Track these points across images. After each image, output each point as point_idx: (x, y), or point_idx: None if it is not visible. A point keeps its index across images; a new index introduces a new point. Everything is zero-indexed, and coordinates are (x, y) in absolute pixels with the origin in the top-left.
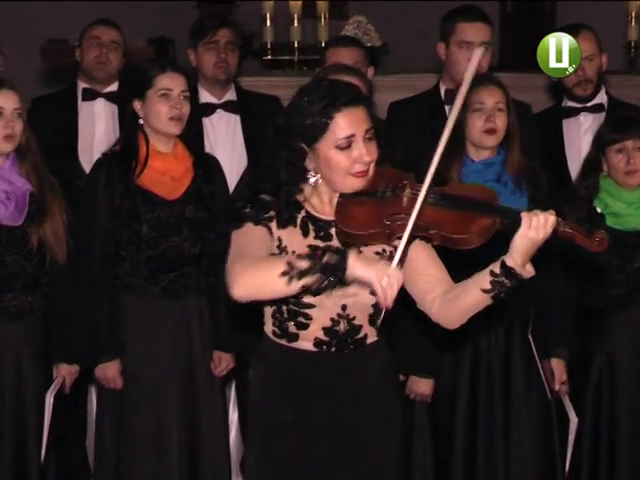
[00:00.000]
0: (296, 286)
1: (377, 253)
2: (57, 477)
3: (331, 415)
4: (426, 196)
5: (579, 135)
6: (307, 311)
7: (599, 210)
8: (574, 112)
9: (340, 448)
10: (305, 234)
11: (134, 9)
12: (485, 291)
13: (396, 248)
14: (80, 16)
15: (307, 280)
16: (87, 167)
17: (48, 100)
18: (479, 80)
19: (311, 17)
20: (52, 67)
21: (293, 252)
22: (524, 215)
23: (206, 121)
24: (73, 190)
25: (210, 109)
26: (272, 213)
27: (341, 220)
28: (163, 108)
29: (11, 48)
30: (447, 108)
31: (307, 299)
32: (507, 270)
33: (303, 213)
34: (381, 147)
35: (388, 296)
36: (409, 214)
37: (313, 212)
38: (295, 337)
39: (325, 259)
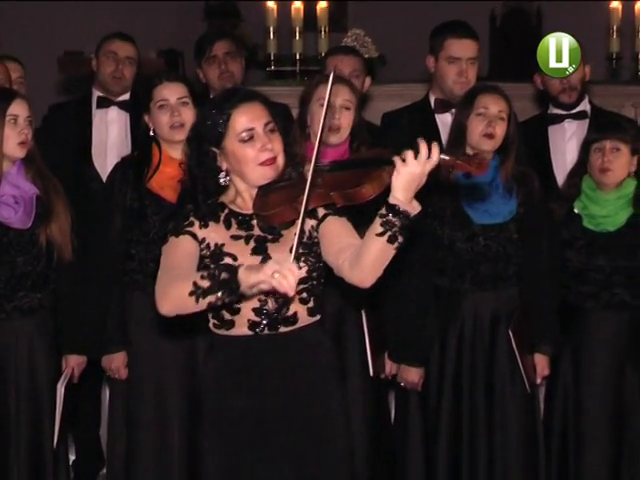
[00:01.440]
0: (203, 304)
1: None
2: (69, 462)
3: (277, 396)
4: (321, 166)
5: (564, 141)
6: None
7: (576, 211)
8: (559, 119)
9: (289, 428)
10: (228, 227)
11: (145, 23)
12: (379, 234)
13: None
14: (95, 29)
15: (211, 298)
16: (101, 170)
17: (64, 107)
18: (487, 88)
19: (312, 30)
20: (68, 77)
21: (216, 244)
22: (395, 158)
23: None
24: (87, 191)
25: None
26: (192, 218)
27: (257, 206)
28: (163, 118)
29: (31, 59)
30: (437, 117)
31: None
32: (391, 208)
33: (226, 211)
34: (286, 140)
35: (284, 285)
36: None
37: (236, 209)
38: (231, 324)
39: (222, 276)
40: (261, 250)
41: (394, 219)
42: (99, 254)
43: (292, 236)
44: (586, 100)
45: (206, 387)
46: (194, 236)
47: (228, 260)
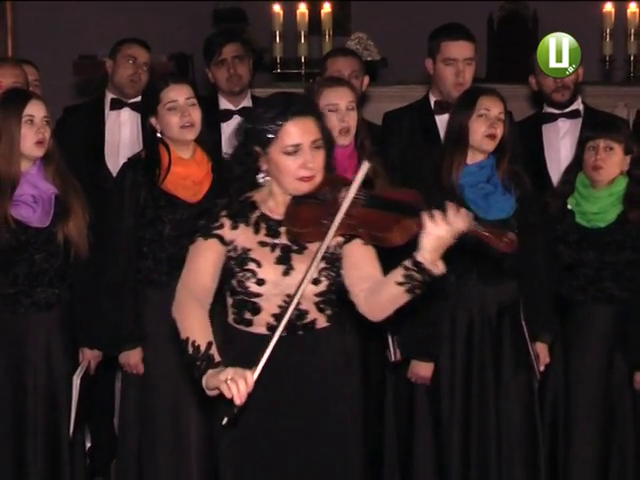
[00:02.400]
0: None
1: None
2: (85, 451)
3: (290, 393)
4: (357, 197)
5: (558, 139)
6: (255, 300)
7: (570, 207)
8: (553, 118)
9: (300, 423)
10: (256, 231)
11: (156, 27)
12: (398, 284)
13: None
14: (108, 34)
15: (187, 359)
16: (113, 170)
17: (78, 109)
18: (486, 90)
19: (316, 34)
20: (82, 80)
21: (243, 248)
22: (423, 216)
23: (224, 126)
24: (101, 191)
25: (228, 115)
26: (222, 219)
27: (287, 219)
28: (173, 119)
29: (47, 63)
30: (436, 117)
31: (254, 289)
32: (417, 265)
33: (257, 213)
34: (329, 155)
35: (233, 391)
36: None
37: (267, 212)
38: (250, 322)
39: (197, 363)
40: (285, 260)
41: (417, 275)
42: (113, 252)
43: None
44: (579, 100)
45: None
46: (222, 239)
47: (252, 266)
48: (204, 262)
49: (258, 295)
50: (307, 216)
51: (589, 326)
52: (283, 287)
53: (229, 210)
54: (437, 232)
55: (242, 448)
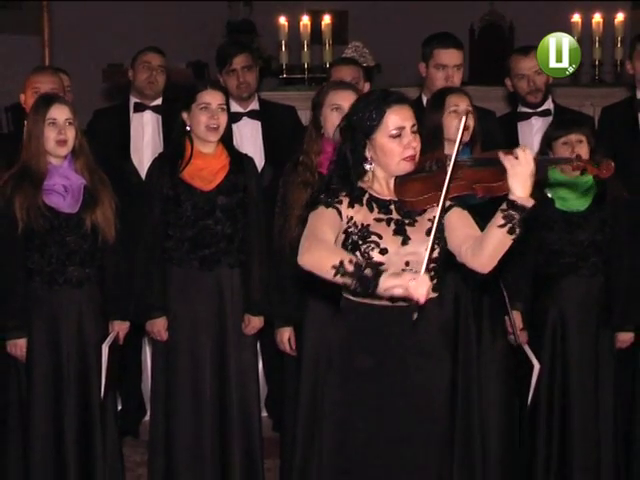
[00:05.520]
0: (338, 280)
1: (429, 220)
2: (116, 412)
3: (399, 360)
4: (461, 161)
5: (531, 135)
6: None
7: (550, 195)
8: (527, 116)
9: (405, 388)
10: (370, 210)
11: (177, 38)
12: (500, 226)
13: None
14: (134, 44)
15: (346, 280)
16: (138, 165)
17: (107, 112)
18: (453, 90)
19: (318, 43)
20: (110, 86)
21: (362, 224)
22: (504, 158)
23: (234, 126)
24: (127, 183)
25: (237, 117)
26: (342, 197)
27: (401, 194)
28: (202, 118)
29: (79, 71)
30: None
31: (378, 258)
32: (511, 203)
33: (367, 196)
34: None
35: (417, 294)
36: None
37: (375, 194)
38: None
39: (364, 272)
40: (401, 231)
41: (514, 212)
42: (142, 235)
43: (426, 222)
44: (550, 100)
45: (339, 344)
46: (340, 213)
47: (374, 238)
48: (326, 222)
49: (380, 264)
50: (418, 187)
51: (578, 295)
52: (403, 254)
53: (351, 194)
54: (521, 168)
55: (346, 407)
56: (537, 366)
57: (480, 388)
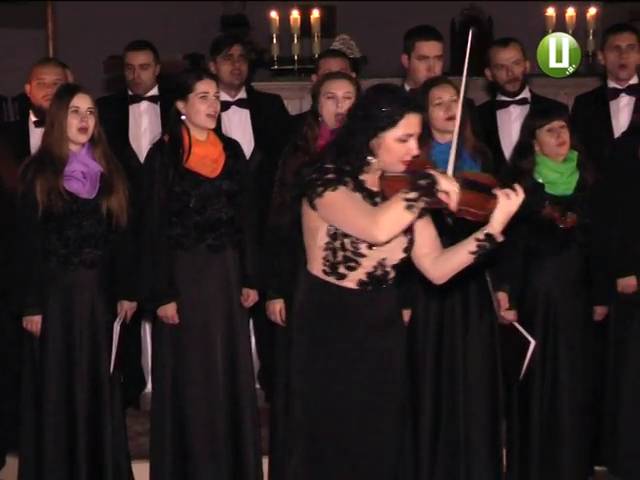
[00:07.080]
0: (416, 209)
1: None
2: (120, 386)
3: (367, 338)
4: (455, 176)
5: (509, 122)
6: (359, 259)
7: (540, 181)
8: (505, 105)
9: (374, 363)
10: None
11: (174, 30)
12: (471, 253)
13: None
14: (134, 36)
15: (420, 204)
16: (137, 150)
17: (106, 101)
18: (436, 81)
19: (307, 36)
20: (111, 77)
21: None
22: (500, 194)
23: (223, 115)
24: (127, 168)
25: (226, 105)
26: (347, 179)
27: (384, 188)
28: (202, 107)
29: (82, 62)
30: None
31: (364, 251)
32: (489, 236)
33: (363, 186)
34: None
35: (454, 200)
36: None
37: (366, 185)
38: (343, 277)
39: (422, 183)
40: None
41: (487, 244)
42: (148, 222)
43: None
44: (527, 89)
45: (301, 322)
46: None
47: None
48: (354, 196)
49: (364, 256)
50: (402, 186)
51: (564, 275)
52: (384, 250)
53: (340, 177)
54: (509, 208)
55: (325, 382)
56: (533, 342)
57: (465, 373)
